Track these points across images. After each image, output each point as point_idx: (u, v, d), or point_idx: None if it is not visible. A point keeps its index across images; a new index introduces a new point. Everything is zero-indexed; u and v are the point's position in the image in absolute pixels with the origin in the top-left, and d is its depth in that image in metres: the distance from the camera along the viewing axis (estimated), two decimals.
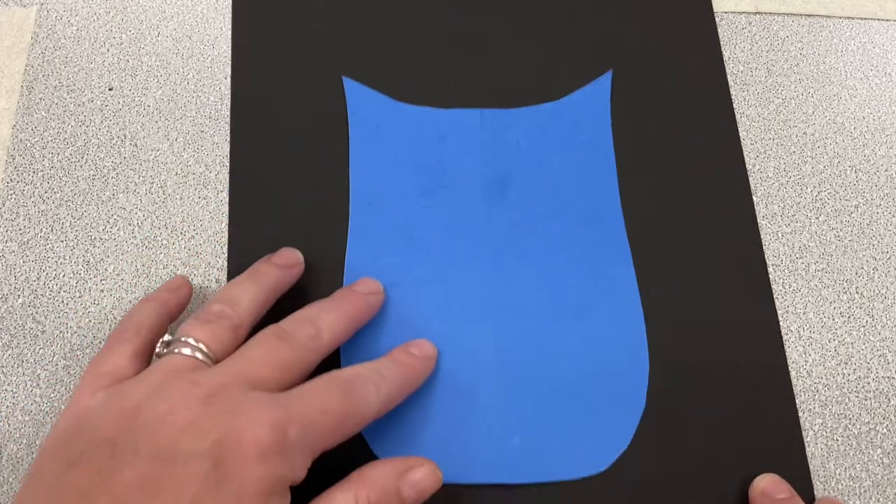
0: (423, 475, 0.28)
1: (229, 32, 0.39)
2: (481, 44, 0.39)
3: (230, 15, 0.40)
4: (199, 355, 0.27)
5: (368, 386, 0.28)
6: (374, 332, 0.33)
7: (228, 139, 0.37)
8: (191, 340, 0.28)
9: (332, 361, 0.31)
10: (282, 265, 0.32)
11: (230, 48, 0.39)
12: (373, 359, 0.30)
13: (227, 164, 0.36)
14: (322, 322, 0.30)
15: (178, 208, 0.36)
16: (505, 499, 0.31)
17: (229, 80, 0.38)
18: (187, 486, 0.23)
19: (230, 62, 0.39)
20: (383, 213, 0.35)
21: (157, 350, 0.29)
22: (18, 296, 0.34)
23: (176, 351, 0.27)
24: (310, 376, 0.28)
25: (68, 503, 0.23)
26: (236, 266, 0.34)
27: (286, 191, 0.36)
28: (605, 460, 0.32)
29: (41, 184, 0.36)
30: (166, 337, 0.29)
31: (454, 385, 0.32)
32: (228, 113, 0.37)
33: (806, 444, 0.33)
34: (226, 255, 0.35)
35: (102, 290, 0.34)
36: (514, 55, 0.39)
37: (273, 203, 0.35)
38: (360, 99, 0.37)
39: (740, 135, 0.38)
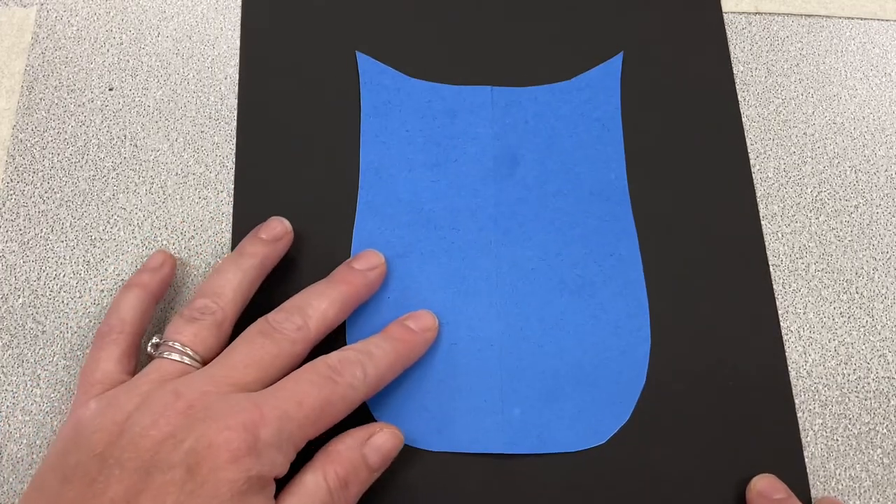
0: (384, 439, 0.29)
1: (230, 32, 0.39)
2: (493, 23, 0.40)
3: (230, 15, 0.40)
4: (186, 360, 0.29)
5: (355, 370, 0.29)
6: (380, 303, 0.33)
7: (229, 139, 0.37)
8: (177, 345, 0.29)
9: (338, 332, 0.32)
10: (268, 240, 0.33)
11: (230, 48, 0.39)
12: (377, 330, 0.31)
13: (228, 165, 0.36)
14: (312, 310, 0.30)
15: (178, 208, 0.36)
16: (505, 469, 0.32)
17: (229, 80, 0.38)
18: (165, 494, 0.25)
19: (234, 53, 0.39)
20: (392, 186, 0.36)
21: (149, 350, 0.30)
22: (18, 296, 0.34)
23: (164, 356, 0.29)
24: (308, 357, 0.29)
25: None
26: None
27: (296, 162, 0.36)
28: (605, 433, 0.32)
29: (41, 184, 0.36)
30: (155, 339, 0.30)
31: (457, 356, 0.33)
32: (229, 113, 0.37)
33: (806, 445, 0.33)
34: (228, 253, 0.35)
35: (102, 290, 0.34)
36: (525, 37, 0.39)
37: (283, 171, 0.36)
38: (373, 73, 0.38)
39: None
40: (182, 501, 0.24)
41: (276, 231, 0.33)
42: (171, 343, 0.29)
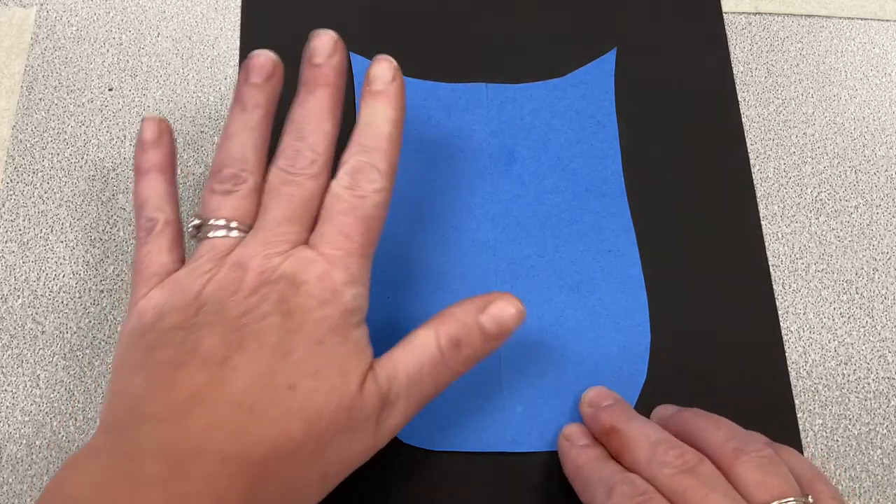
0: (501, 307, 0.28)
1: (229, 33, 0.39)
2: (490, 20, 0.40)
3: (230, 15, 0.40)
4: (233, 234, 0.28)
5: (370, 174, 0.29)
6: (379, 303, 0.33)
7: None
8: (221, 222, 0.29)
9: None
10: (263, 82, 0.30)
11: (230, 48, 0.39)
12: (376, 330, 0.30)
13: None
14: (312, 136, 0.29)
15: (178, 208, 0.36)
16: (508, 467, 0.32)
17: (229, 80, 0.38)
18: (267, 335, 0.26)
19: (234, 54, 0.39)
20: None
21: (190, 232, 0.29)
22: (18, 296, 0.34)
23: (210, 235, 0.29)
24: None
25: (161, 373, 0.25)
26: None
27: None
28: None
29: (41, 184, 0.36)
30: (195, 221, 0.29)
31: None
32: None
33: (806, 445, 0.33)
34: None
35: (102, 291, 0.34)
36: (522, 36, 0.39)
37: None
38: None
39: None
40: (284, 339, 0.26)
41: (267, 68, 0.30)
42: (213, 221, 0.29)
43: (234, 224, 0.29)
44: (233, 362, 0.25)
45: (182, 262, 0.29)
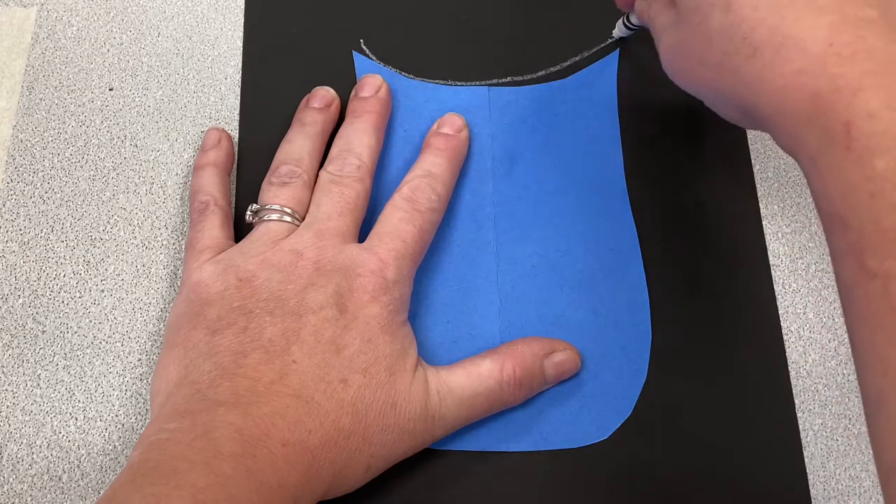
0: (564, 357, 0.31)
1: (230, 32, 0.39)
2: (490, 22, 0.39)
3: (231, 15, 0.40)
4: (286, 218, 0.31)
5: (428, 194, 0.32)
6: None
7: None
8: (276, 207, 0.31)
9: None
10: (322, 107, 0.35)
11: (231, 48, 0.39)
12: None
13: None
14: (357, 147, 0.33)
15: (178, 208, 0.36)
16: (506, 467, 0.32)
17: (229, 80, 0.38)
18: (323, 330, 0.28)
19: (234, 53, 0.39)
20: (391, 187, 0.35)
21: (248, 218, 0.32)
22: (18, 296, 0.34)
23: (266, 218, 0.31)
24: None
25: (227, 361, 0.28)
26: None
27: None
28: (607, 429, 0.32)
29: (41, 184, 0.36)
30: (252, 206, 0.32)
31: (458, 355, 0.32)
32: (229, 113, 0.37)
33: (806, 445, 0.33)
34: None
35: (102, 290, 0.34)
36: (524, 36, 0.39)
37: None
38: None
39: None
40: (339, 334, 0.28)
41: (326, 98, 0.35)
42: (269, 206, 0.31)
43: (288, 210, 0.31)
44: (292, 355, 0.27)
45: (233, 240, 0.32)
